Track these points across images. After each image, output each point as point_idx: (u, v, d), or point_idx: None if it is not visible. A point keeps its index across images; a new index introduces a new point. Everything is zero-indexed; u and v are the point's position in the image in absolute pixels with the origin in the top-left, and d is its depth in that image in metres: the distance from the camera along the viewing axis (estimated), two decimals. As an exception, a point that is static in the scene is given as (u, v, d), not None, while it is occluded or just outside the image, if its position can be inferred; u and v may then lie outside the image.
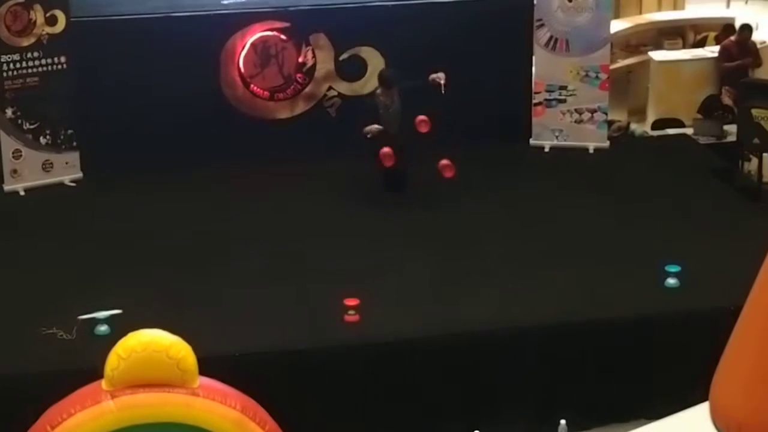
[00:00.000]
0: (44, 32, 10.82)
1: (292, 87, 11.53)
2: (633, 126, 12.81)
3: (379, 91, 10.37)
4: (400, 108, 10.21)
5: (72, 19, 10.91)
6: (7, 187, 10.84)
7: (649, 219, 9.95)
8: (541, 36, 11.68)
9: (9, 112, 10.74)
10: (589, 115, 11.73)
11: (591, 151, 11.68)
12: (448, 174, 10.09)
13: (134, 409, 5.28)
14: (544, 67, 11.76)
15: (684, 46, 14.52)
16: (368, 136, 10.09)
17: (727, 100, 12.82)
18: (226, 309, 8.49)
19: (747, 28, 13.24)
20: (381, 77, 10.42)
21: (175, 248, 9.53)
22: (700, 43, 14.64)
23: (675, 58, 13.68)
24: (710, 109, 12.84)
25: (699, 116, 12.74)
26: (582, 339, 8.27)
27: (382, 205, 10.27)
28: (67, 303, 8.39)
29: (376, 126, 10.11)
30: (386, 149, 9.99)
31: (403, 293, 8.70)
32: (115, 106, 11.02)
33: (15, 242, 9.75)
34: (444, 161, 10.06)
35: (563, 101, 11.75)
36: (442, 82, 10.02)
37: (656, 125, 12.88)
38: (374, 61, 11.51)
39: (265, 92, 11.47)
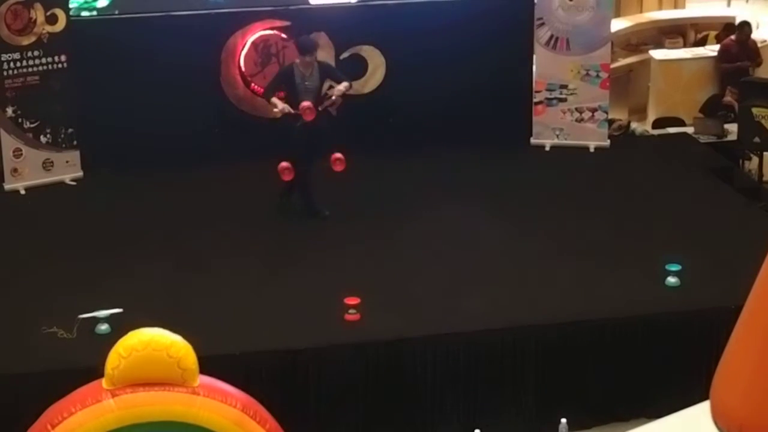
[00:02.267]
0: (44, 31, 10.81)
1: (292, 86, 11.51)
2: (633, 125, 12.79)
3: (298, 60, 9.88)
4: (318, 84, 9.81)
5: (72, 18, 10.91)
6: (7, 186, 10.83)
7: (650, 218, 9.95)
8: (542, 35, 11.67)
9: (9, 110, 10.73)
10: (590, 114, 11.72)
11: (591, 150, 11.67)
12: (339, 168, 9.70)
13: (135, 407, 5.29)
14: (544, 65, 11.75)
15: (685, 45, 14.52)
16: (275, 109, 9.67)
17: (730, 100, 12.81)
18: (226, 308, 8.48)
19: (746, 25, 13.22)
20: (296, 42, 10.09)
21: (176, 247, 9.53)
22: (701, 42, 14.63)
23: (676, 57, 13.69)
24: (713, 108, 12.83)
25: (700, 115, 12.74)
26: (582, 338, 8.27)
27: (383, 204, 10.27)
28: (67, 302, 8.38)
29: (287, 107, 9.60)
30: (284, 163, 9.55)
31: (403, 292, 8.69)
32: (116, 105, 11.01)
33: (15, 241, 9.74)
34: (336, 155, 9.67)
35: (564, 100, 11.74)
36: (329, 102, 9.77)
37: (657, 124, 12.88)
38: (375, 60, 11.52)
39: (266, 91, 11.46)
